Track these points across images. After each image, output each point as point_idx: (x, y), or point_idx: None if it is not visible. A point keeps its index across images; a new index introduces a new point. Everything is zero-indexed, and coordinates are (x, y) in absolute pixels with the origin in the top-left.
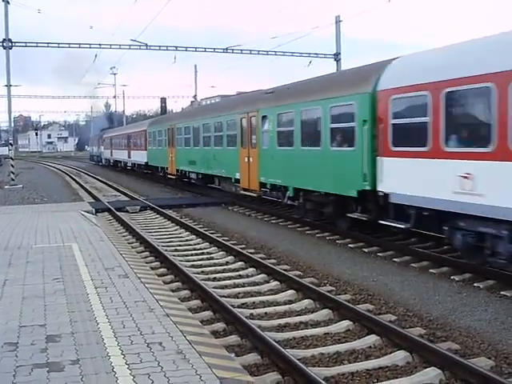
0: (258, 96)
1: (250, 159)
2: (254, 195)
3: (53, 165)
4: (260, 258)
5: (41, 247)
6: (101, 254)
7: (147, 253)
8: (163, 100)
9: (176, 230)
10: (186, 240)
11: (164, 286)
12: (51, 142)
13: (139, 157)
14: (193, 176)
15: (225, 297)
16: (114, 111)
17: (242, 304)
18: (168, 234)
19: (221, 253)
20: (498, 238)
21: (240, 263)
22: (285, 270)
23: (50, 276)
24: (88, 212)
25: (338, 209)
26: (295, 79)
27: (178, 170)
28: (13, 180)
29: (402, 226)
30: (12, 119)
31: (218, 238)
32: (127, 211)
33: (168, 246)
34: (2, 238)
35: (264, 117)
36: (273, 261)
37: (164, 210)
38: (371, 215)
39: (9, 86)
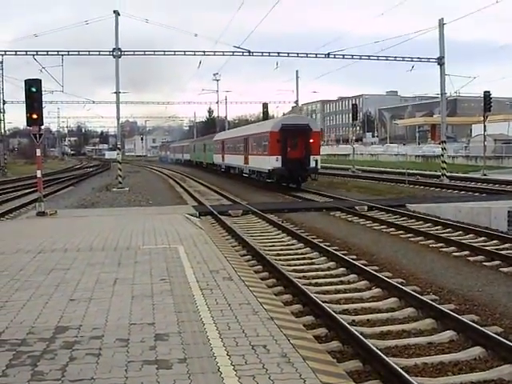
0: None
1: None
2: None
3: (157, 169)
4: (362, 264)
5: (148, 248)
6: (205, 257)
7: (249, 256)
8: (265, 105)
9: (278, 234)
10: (288, 244)
11: (267, 289)
12: (156, 147)
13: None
14: None
15: (326, 302)
16: (217, 116)
17: (344, 310)
18: (270, 238)
19: (322, 258)
20: None
21: (342, 269)
22: (387, 276)
23: (158, 276)
24: (192, 215)
25: None
26: (397, 84)
27: None
28: (120, 183)
29: None
30: (119, 125)
31: (319, 244)
32: (229, 215)
33: (270, 250)
34: (112, 238)
35: None
36: (375, 267)
37: (266, 215)
38: None
39: (118, 92)
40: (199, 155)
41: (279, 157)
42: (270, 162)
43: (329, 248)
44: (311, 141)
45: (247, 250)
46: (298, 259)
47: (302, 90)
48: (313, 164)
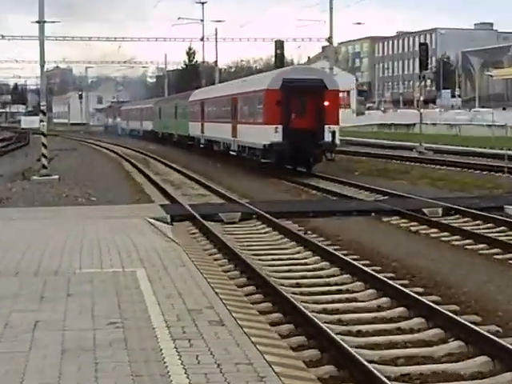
0: None
1: None
2: None
3: (106, 145)
4: (433, 301)
5: (89, 273)
6: (181, 287)
7: (252, 287)
8: (279, 45)
9: (298, 252)
10: (314, 269)
11: (280, 341)
12: (103, 110)
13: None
14: None
15: (376, 363)
16: (202, 62)
17: (404, 375)
18: (286, 258)
19: (369, 291)
20: None
21: (400, 309)
22: (474, 322)
23: (104, 318)
24: (160, 220)
25: None
26: (493, 13)
27: None
28: (44, 168)
29: None
30: (44, 73)
31: (364, 268)
32: (221, 220)
33: (285, 279)
34: (31, 257)
35: None
36: (454, 307)
37: (279, 221)
38: None
39: (42, 22)
40: (167, 124)
41: (279, 126)
42: (266, 135)
43: (378, 275)
44: (326, 104)
45: (249, 276)
46: (329, 292)
47: (338, 21)
48: (328, 137)
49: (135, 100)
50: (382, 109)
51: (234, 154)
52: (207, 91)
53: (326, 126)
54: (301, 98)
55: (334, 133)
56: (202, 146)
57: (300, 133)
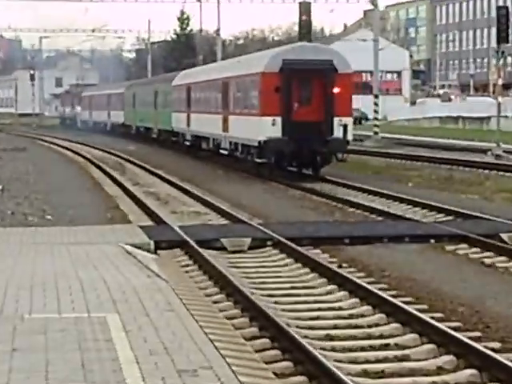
0: None
1: None
2: None
3: (64, 143)
4: None
5: (42, 320)
6: (168, 339)
7: (266, 340)
8: (305, 8)
9: (329, 293)
10: (351, 316)
11: None
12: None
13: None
14: None
15: None
16: (199, 31)
17: None
18: (312, 301)
19: (426, 347)
20: None
21: (469, 372)
22: None
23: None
24: (140, 247)
25: None
26: None
27: None
28: None
29: None
30: None
31: (419, 315)
32: (223, 248)
33: (311, 329)
34: None
35: None
36: None
37: (303, 250)
38: None
39: None
40: (144, 115)
41: (278, 119)
42: (261, 129)
43: (441, 325)
44: (336, 90)
45: (261, 325)
46: (372, 348)
47: None
48: (338, 133)
49: (107, 83)
50: (441, 94)
51: (224, 152)
52: (195, 73)
53: (336, 119)
54: (305, 84)
55: (345, 127)
56: (187, 143)
57: (304, 126)
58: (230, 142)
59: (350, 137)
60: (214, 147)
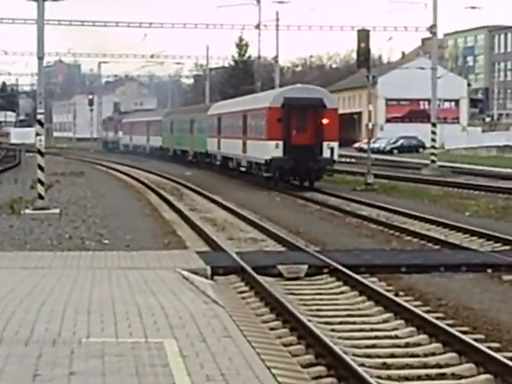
0: None
1: None
2: None
3: (123, 168)
4: None
5: (99, 344)
6: (225, 366)
7: (322, 368)
8: (363, 35)
9: (386, 321)
10: (407, 345)
11: None
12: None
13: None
14: None
15: None
16: (257, 57)
17: None
18: (368, 329)
19: (483, 377)
20: None
21: None
22: None
23: None
24: (197, 273)
25: None
26: None
27: None
28: (41, 198)
29: None
30: (42, 69)
31: (475, 344)
32: (280, 275)
33: (368, 357)
34: (20, 319)
35: None
36: None
37: (358, 277)
38: None
39: (41, 0)
40: (181, 139)
41: (280, 142)
42: (267, 150)
43: (498, 355)
44: (325, 121)
45: (317, 353)
46: (428, 377)
47: (444, 4)
48: (327, 153)
49: (136, 111)
50: (492, 121)
51: (243, 170)
52: (224, 105)
53: (325, 143)
54: (301, 115)
55: (332, 149)
56: (218, 162)
57: (300, 148)
58: (247, 161)
59: (335, 157)
60: (236, 165)
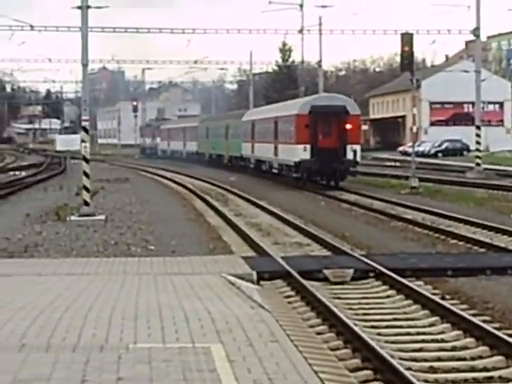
0: None
1: None
2: None
3: (167, 173)
4: None
5: (146, 350)
6: (272, 370)
7: (369, 372)
8: (407, 39)
9: (432, 325)
10: (454, 349)
11: None
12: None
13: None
14: None
15: None
16: (301, 62)
17: None
18: (415, 333)
19: None
20: None
21: None
22: None
23: None
24: (243, 278)
25: None
26: None
27: None
28: (86, 204)
29: None
30: (87, 77)
31: None
32: (326, 279)
33: (414, 360)
34: (68, 326)
35: None
36: None
37: (404, 280)
38: None
39: (85, 7)
40: (217, 144)
41: (307, 146)
42: (296, 153)
43: None
44: (348, 126)
45: (364, 357)
46: (475, 381)
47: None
48: (350, 155)
49: (174, 119)
50: None
51: (275, 171)
52: (257, 112)
53: (349, 146)
54: (326, 121)
55: (355, 151)
56: (252, 165)
57: (326, 151)
58: (279, 164)
59: (358, 158)
60: (268, 168)
